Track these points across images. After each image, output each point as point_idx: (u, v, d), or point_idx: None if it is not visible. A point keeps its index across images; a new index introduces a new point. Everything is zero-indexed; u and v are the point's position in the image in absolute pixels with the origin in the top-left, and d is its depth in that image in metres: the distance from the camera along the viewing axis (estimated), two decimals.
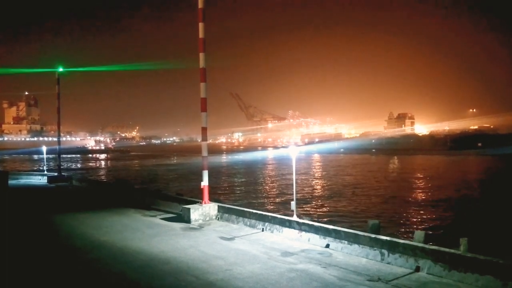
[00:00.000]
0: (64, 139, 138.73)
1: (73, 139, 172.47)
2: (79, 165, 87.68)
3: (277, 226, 14.19)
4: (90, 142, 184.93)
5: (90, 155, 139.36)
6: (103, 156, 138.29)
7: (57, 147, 41.21)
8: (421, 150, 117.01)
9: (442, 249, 9.66)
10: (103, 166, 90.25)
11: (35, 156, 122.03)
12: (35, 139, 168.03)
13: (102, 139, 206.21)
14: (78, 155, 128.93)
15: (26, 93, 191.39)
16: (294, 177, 15.33)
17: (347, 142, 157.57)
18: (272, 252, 11.92)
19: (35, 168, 70.95)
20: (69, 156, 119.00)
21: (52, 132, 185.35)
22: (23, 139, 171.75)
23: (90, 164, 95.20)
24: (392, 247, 10.57)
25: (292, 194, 15.05)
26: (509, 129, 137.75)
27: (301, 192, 35.76)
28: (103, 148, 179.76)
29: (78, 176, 42.49)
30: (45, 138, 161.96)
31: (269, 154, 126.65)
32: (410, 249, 10.15)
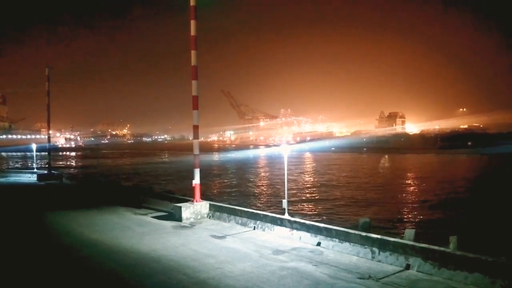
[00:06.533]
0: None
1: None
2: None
3: (269, 224, 14.20)
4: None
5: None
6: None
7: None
8: (412, 149, 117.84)
9: (432, 247, 9.73)
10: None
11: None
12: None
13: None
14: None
15: None
16: (285, 175, 15.35)
17: (338, 140, 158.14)
18: (264, 250, 11.92)
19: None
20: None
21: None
22: None
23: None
24: (382, 245, 10.63)
25: (284, 192, 15.07)
26: (498, 128, 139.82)
27: (292, 191, 35.80)
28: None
29: (69, 174, 42.13)
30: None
31: (261, 152, 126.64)
32: (400, 247, 10.21)
